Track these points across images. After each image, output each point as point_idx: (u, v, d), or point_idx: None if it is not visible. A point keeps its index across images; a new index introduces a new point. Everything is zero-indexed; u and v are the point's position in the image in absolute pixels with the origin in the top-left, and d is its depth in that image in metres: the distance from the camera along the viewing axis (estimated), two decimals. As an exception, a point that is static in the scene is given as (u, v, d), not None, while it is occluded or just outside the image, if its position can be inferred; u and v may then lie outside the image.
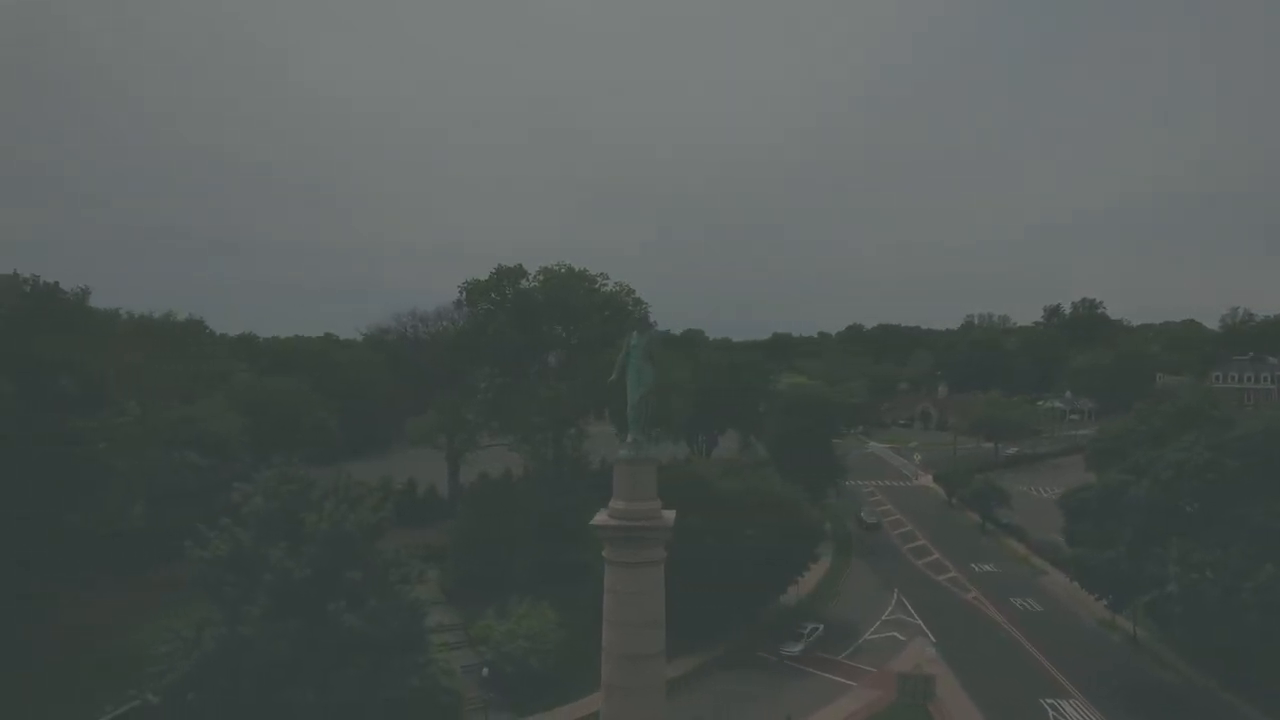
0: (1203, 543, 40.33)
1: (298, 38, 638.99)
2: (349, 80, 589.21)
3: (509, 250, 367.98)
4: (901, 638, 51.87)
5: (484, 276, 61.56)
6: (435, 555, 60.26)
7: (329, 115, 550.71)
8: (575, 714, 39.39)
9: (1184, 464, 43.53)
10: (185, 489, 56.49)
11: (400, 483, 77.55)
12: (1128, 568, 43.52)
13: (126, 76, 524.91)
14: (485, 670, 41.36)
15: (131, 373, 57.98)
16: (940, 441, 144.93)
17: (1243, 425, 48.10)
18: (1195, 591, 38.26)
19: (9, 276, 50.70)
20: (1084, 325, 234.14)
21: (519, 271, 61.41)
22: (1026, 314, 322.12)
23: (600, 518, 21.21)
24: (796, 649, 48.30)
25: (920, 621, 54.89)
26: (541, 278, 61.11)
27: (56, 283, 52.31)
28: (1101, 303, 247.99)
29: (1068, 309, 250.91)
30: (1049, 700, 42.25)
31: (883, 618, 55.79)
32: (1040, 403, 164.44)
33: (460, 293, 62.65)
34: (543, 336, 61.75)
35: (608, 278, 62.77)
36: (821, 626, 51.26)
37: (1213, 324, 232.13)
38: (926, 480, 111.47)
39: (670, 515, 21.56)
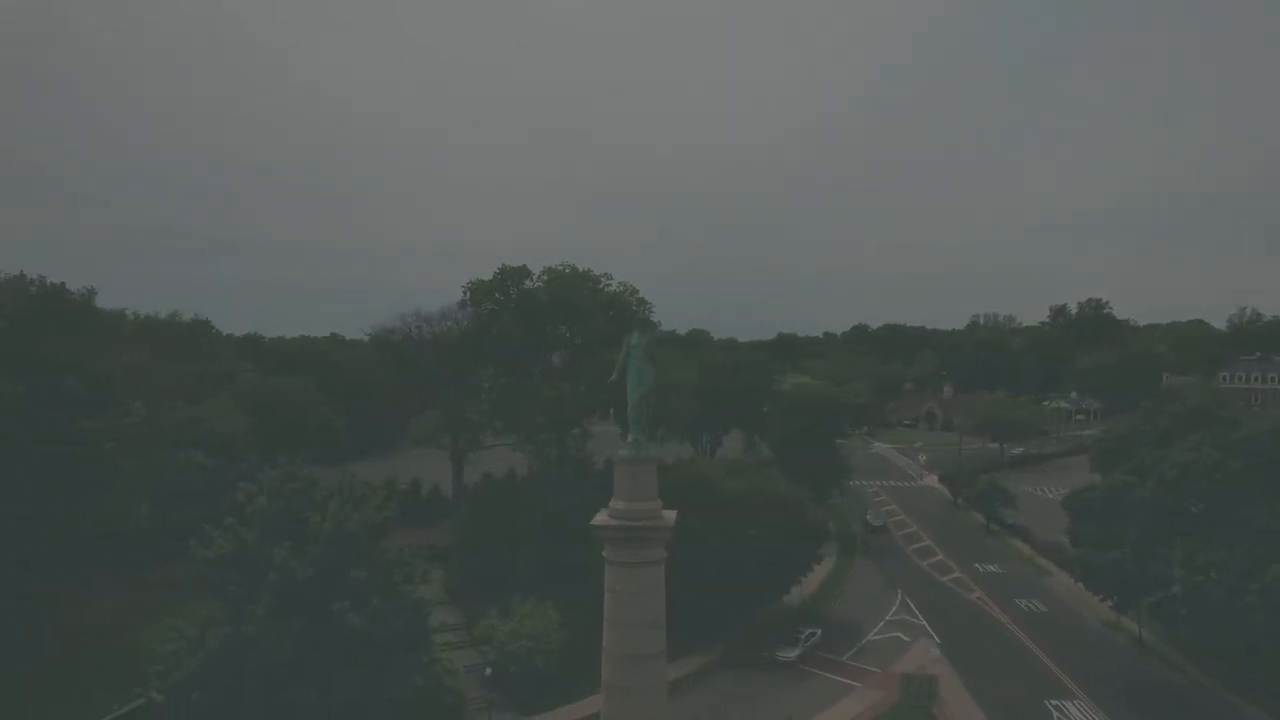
0: (1208, 544, 40.18)
1: (298, 38, 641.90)
2: (349, 80, 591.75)
3: (509, 250, 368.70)
4: (905, 638, 51.77)
5: (485, 276, 61.58)
6: (439, 555, 60.44)
7: (329, 115, 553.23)
8: (578, 714, 39.40)
9: (1190, 464, 43.36)
10: (191, 489, 56.71)
11: (404, 482, 77.70)
12: (1133, 568, 43.36)
13: (126, 76, 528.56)
14: (488, 670, 41.45)
15: (137, 373, 58.19)
16: (945, 442, 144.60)
17: (1249, 425, 47.97)
18: (1200, 592, 38.11)
19: (15, 277, 50.82)
20: (1090, 325, 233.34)
21: (523, 271, 61.38)
22: (1032, 314, 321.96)
23: (600, 518, 21.26)
24: (792, 654, 47.34)
25: (924, 622, 54.79)
26: (546, 278, 61.08)
27: (63, 283, 52.41)
28: (1108, 303, 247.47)
29: (1074, 309, 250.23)
30: (1053, 701, 42.15)
31: (886, 618, 55.71)
32: (1046, 403, 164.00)
33: (464, 293, 62.61)
34: (547, 336, 61.71)
35: (612, 278, 62.70)
36: (819, 631, 50.46)
37: (1220, 324, 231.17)
38: (931, 481, 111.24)
39: (671, 515, 21.59)
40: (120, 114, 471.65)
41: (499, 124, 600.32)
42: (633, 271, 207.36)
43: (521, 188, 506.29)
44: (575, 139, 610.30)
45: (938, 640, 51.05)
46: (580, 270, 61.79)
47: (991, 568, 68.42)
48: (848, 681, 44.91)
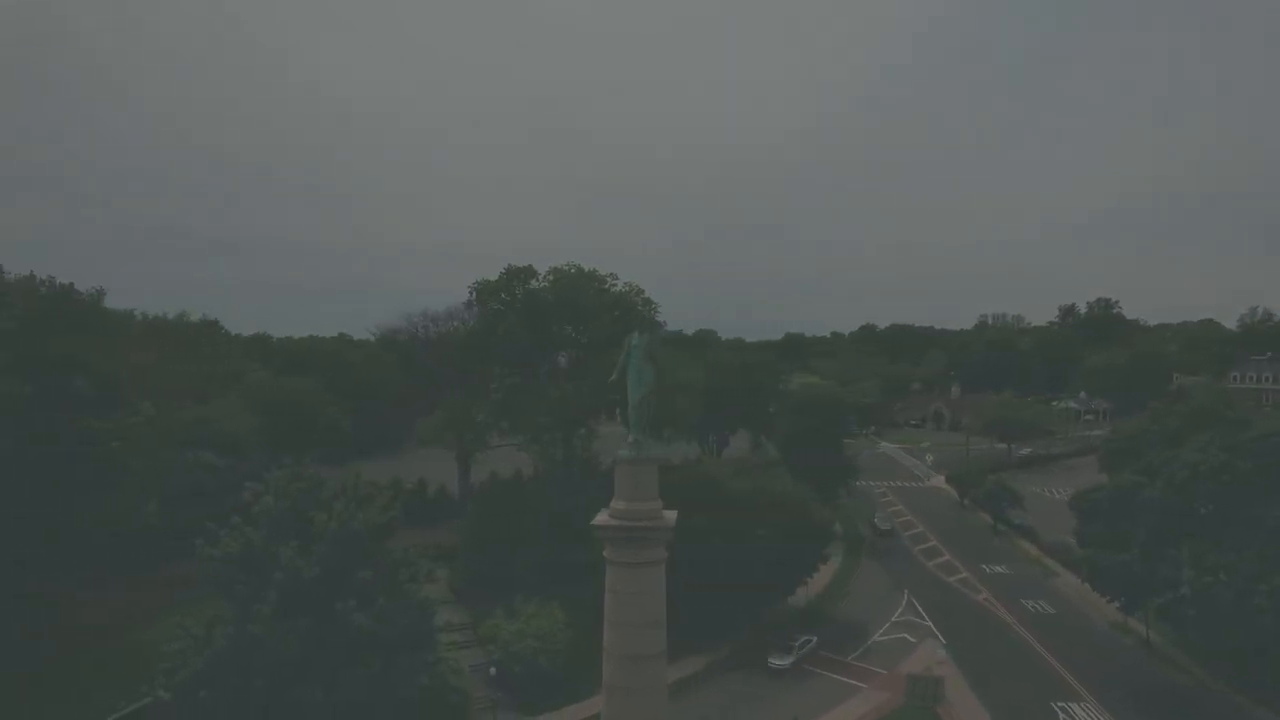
0: (1217, 545, 39.99)
1: (298, 38, 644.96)
2: (349, 80, 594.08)
3: (509, 250, 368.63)
4: (911, 639, 51.63)
5: (486, 276, 61.72)
6: (445, 555, 60.73)
7: (329, 115, 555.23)
8: (583, 714, 39.49)
9: (1198, 465, 43.15)
10: (200, 488, 57.05)
11: (411, 482, 77.89)
12: (1140, 570, 43.14)
13: (126, 76, 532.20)
14: (493, 669, 41.50)
15: (146, 373, 58.54)
16: (953, 442, 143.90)
17: (1259, 426, 47.61)
18: (1208, 594, 37.92)
19: (25, 278, 51.18)
20: (1099, 325, 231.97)
21: (529, 272, 61.46)
22: (1041, 314, 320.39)
23: (601, 518, 21.28)
24: (786, 661, 46.58)
25: (930, 623, 54.62)
26: (551, 278, 61.17)
27: (71, 284, 52.85)
28: (1117, 302, 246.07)
29: (1083, 309, 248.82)
30: (1060, 703, 42.00)
31: (893, 619, 55.58)
32: (1054, 403, 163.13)
33: (470, 293, 62.75)
34: (552, 336, 61.75)
35: (617, 278, 62.72)
36: (814, 639, 49.67)
37: (1231, 324, 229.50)
38: (939, 481, 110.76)
39: (671, 515, 21.59)
40: (120, 114, 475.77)
41: (499, 124, 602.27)
42: (635, 271, 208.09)
43: (522, 188, 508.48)
44: (575, 139, 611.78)
45: (944, 641, 50.83)
46: (586, 270, 61.83)
47: (998, 568, 68.14)
48: (854, 682, 44.84)
